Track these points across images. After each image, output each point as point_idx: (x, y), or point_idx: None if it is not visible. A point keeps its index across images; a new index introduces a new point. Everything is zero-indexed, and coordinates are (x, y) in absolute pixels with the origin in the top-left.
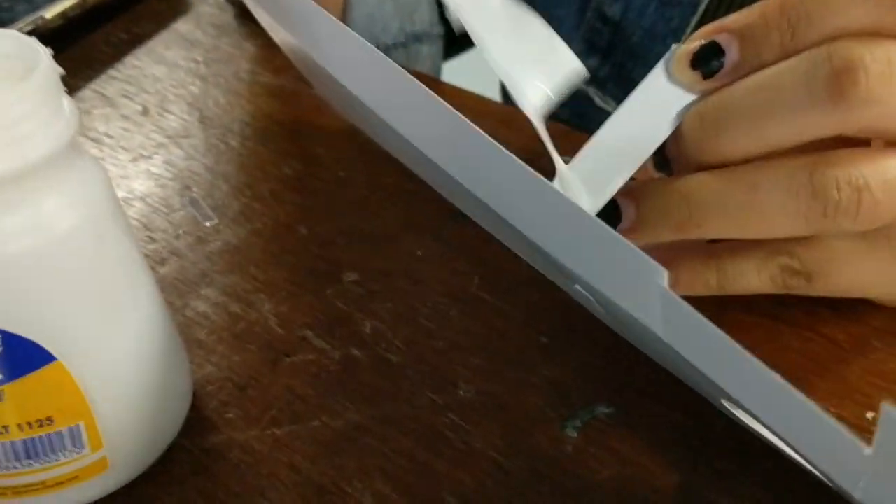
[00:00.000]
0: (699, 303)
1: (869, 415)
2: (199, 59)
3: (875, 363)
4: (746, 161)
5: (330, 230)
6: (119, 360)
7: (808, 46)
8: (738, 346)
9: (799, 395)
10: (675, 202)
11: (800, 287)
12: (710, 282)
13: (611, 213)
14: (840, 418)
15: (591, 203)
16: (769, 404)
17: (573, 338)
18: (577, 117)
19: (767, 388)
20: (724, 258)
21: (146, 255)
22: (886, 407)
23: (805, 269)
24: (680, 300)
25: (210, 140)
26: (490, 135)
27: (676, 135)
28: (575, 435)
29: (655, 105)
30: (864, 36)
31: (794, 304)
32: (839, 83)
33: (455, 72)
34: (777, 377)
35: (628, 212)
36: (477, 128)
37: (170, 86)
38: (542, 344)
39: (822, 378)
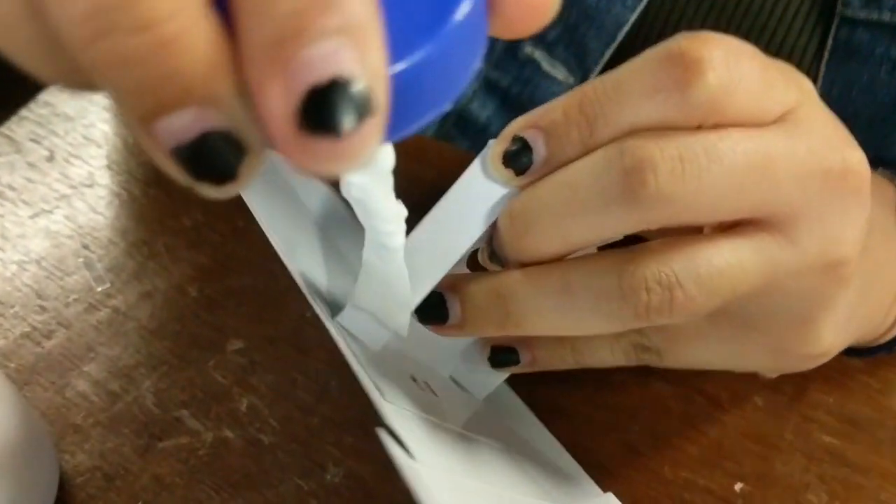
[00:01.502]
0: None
1: (737, 486)
2: None
3: (753, 424)
4: (560, 258)
5: (220, 291)
6: None
7: (605, 142)
8: None
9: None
10: (493, 304)
11: (653, 361)
12: (566, 358)
13: (440, 309)
14: (708, 490)
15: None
16: None
17: None
18: (521, 84)
19: None
20: (577, 336)
21: (34, 328)
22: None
23: (654, 346)
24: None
25: (113, 189)
26: (401, 169)
27: (495, 231)
28: None
29: (474, 200)
30: (657, 131)
31: None
32: (629, 183)
33: None
34: None
35: (454, 310)
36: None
37: (80, 125)
38: None
39: (697, 444)
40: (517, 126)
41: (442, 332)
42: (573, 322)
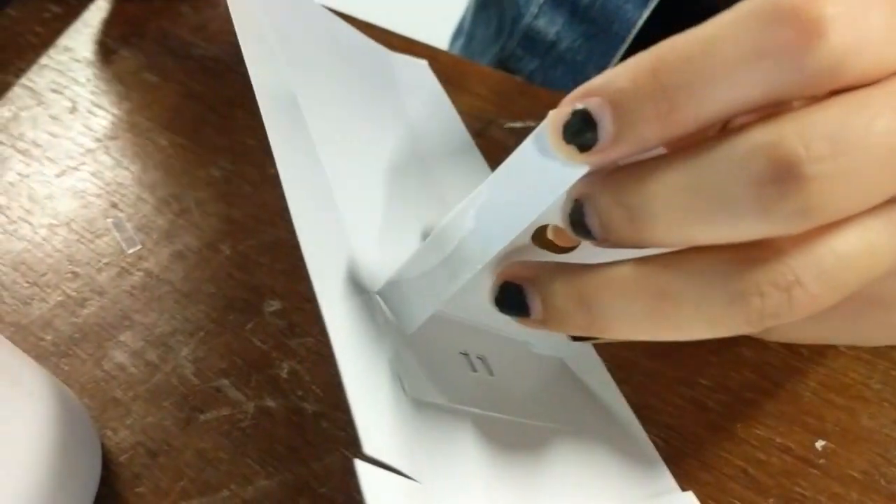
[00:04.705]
0: None
1: (819, 444)
2: (136, 29)
3: (834, 374)
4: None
5: (254, 247)
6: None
7: (691, 124)
8: None
9: None
10: (574, 308)
11: (756, 334)
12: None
13: (520, 304)
14: (786, 449)
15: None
16: None
17: None
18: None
19: None
20: None
21: (68, 297)
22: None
23: None
24: None
25: (139, 140)
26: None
27: (595, 217)
28: None
29: (533, 175)
30: (790, 112)
31: None
32: (767, 196)
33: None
34: None
35: (534, 306)
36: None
37: (100, 70)
38: None
39: (772, 397)
40: (579, 93)
41: (525, 325)
42: (670, 330)
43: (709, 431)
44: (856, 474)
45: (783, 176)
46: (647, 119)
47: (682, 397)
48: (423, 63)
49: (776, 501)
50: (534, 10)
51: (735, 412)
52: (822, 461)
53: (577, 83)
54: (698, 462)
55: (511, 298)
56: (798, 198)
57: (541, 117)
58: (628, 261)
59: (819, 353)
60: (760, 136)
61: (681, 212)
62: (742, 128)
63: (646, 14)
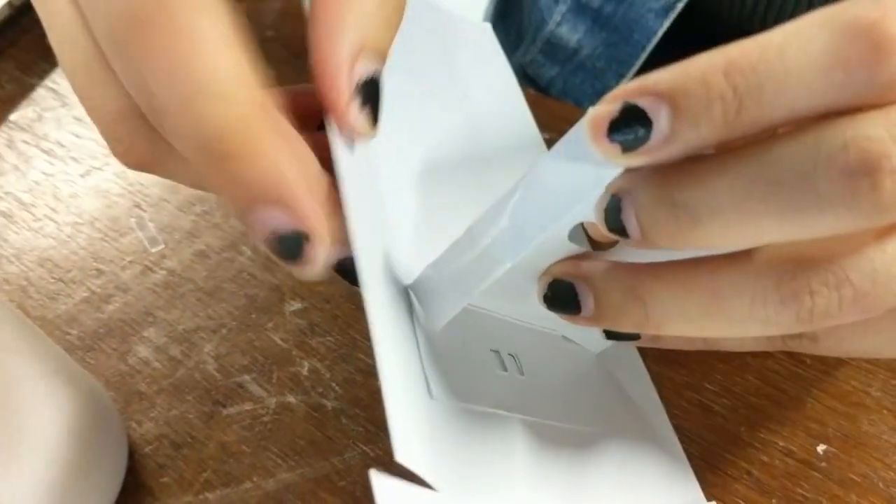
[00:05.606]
0: None
1: (820, 448)
2: None
3: (836, 382)
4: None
5: None
6: (30, 469)
7: (755, 126)
8: None
9: None
10: (629, 304)
11: (804, 348)
12: (694, 342)
13: (571, 301)
14: (788, 452)
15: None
16: None
17: None
18: (614, 2)
19: None
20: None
21: (93, 293)
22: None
23: (809, 332)
24: None
25: None
26: None
27: (632, 214)
28: None
29: (566, 175)
30: (872, 112)
31: None
32: (855, 188)
33: None
34: None
35: (587, 303)
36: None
37: None
38: None
39: (776, 402)
40: (629, 90)
41: (573, 322)
42: (723, 327)
43: (714, 434)
44: (856, 477)
45: (877, 167)
46: (712, 119)
47: (689, 401)
48: (487, 27)
49: (779, 502)
50: (556, 17)
51: (740, 416)
52: (823, 464)
53: (595, 90)
54: (704, 463)
55: (562, 296)
56: (889, 191)
57: (553, 129)
58: (680, 260)
59: (821, 361)
60: (852, 130)
61: (748, 205)
62: (822, 123)
63: (666, 24)
